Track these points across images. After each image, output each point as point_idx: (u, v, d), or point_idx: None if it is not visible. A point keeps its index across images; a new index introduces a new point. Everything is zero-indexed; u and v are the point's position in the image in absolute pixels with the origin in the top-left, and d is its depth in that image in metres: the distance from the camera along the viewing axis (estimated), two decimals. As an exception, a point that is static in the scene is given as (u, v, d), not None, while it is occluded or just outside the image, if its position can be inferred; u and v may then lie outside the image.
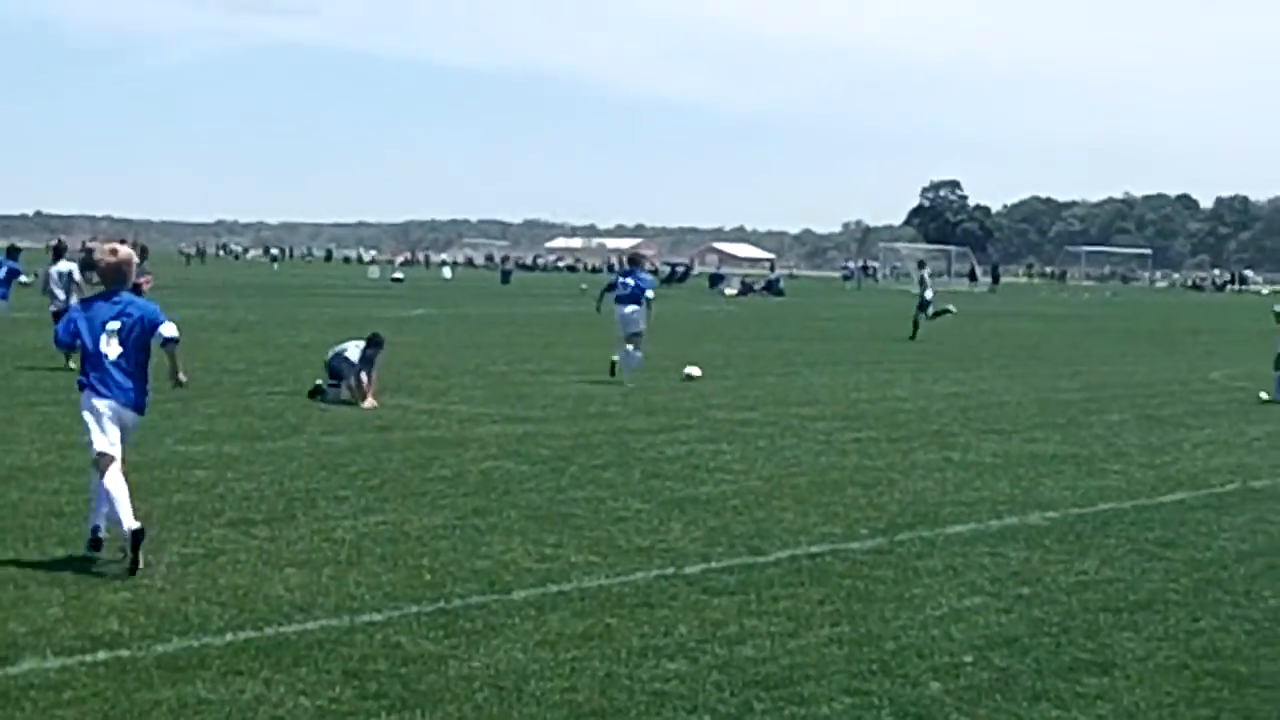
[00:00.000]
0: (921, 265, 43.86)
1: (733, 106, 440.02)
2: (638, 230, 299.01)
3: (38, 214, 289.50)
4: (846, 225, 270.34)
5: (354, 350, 18.64)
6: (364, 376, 18.37)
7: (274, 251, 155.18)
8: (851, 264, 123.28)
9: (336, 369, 18.65)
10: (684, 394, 20.77)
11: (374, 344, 18.86)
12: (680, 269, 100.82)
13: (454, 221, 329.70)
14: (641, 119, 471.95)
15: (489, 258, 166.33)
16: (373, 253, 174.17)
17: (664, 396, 20.27)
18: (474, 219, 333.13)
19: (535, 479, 12.54)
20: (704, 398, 20.30)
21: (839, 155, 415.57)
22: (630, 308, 22.68)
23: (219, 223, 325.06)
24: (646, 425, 16.77)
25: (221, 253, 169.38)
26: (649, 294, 22.83)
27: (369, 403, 17.97)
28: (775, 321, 46.18)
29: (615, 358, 22.74)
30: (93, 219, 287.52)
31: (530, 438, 15.34)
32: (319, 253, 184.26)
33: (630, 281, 22.96)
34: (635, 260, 25.14)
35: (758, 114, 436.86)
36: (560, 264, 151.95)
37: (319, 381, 18.96)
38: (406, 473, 12.72)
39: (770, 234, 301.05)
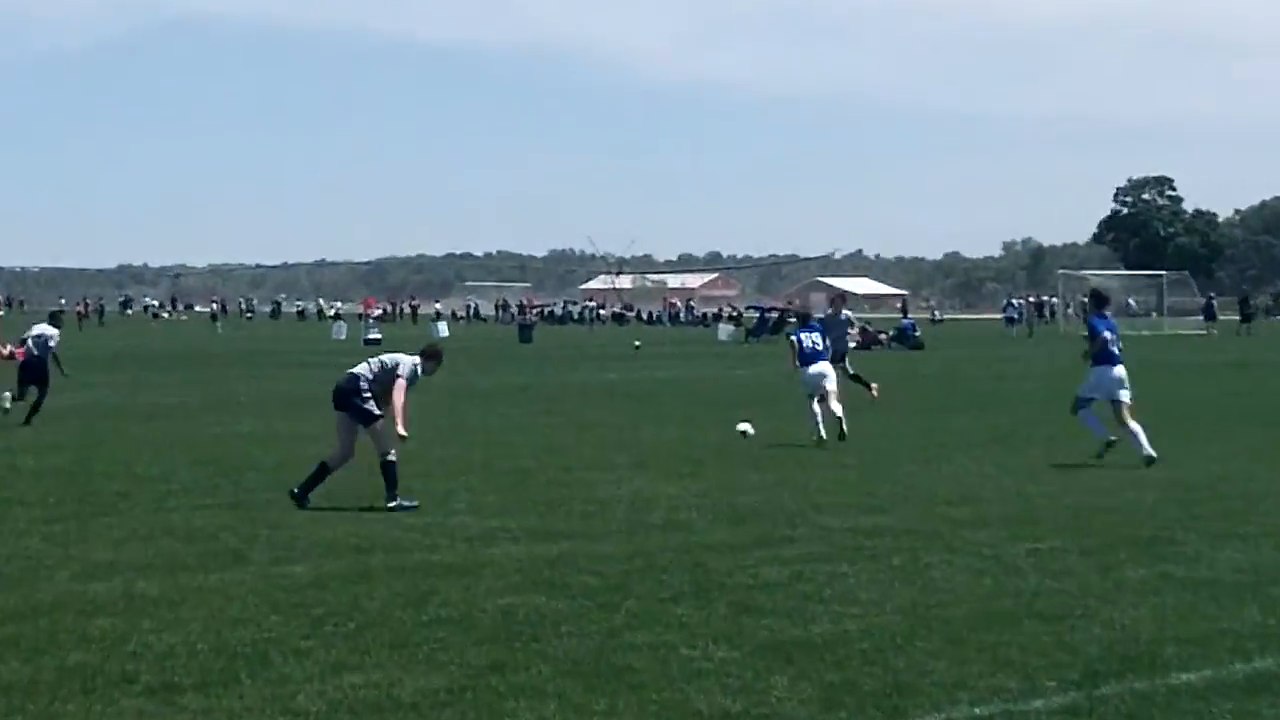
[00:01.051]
0: (842, 299, 44.48)
1: (836, 94, 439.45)
2: (713, 262, 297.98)
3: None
4: (1010, 246, 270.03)
5: (406, 364, 19.76)
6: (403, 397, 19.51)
7: (214, 307, 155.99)
8: (1018, 301, 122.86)
9: (374, 385, 19.55)
10: (782, 490, 20.76)
11: (432, 357, 20.21)
12: (770, 315, 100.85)
13: (451, 258, 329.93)
14: (707, 114, 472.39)
15: (502, 306, 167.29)
16: (336, 305, 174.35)
17: (755, 496, 20.27)
18: (478, 253, 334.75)
19: (576, 619, 12.56)
20: (811, 496, 20.28)
21: (993, 151, 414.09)
22: (816, 367, 28.20)
23: (122, 269, 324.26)
24: (732, 538, 16.76)
25: (131, 309, 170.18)
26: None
27: (404, 431, 19.46)
28: (911, 385, 46.07)
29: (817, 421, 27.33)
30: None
31: (567, 560, 15.37)
32: (265, 308, 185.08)
33: (815, 336, 28.75)
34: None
35: (873, 102, 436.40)
36: (602, 311, 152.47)
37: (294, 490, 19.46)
38: (395, 614, 12.76)
39: (901, 262, 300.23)
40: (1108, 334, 24.88)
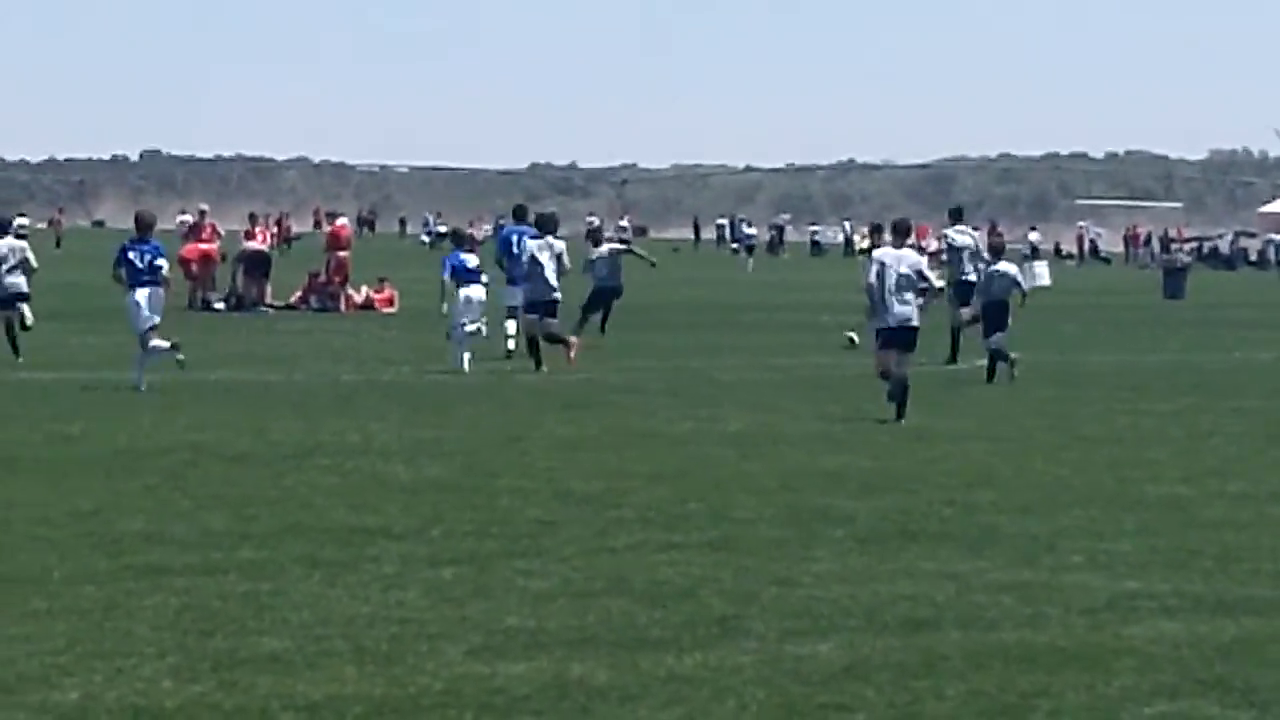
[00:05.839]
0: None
1: None
2: None
3: (239, 157, 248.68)
4: None
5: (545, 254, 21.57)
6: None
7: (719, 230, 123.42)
8: None
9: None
10: None
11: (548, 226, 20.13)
12: None
13: (1052, 160, 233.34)
14: None
15: (1136, 239, 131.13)
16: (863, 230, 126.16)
17: None
18: (1095, 153, 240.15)
19: None
20: None
21: None
22: None
23: (537, 171, 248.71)
24: None
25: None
26: None
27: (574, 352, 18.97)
28: None
29: None
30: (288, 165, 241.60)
31: (1253, 647, 12.29)
32: (754, 230, 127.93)
33: None
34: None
35: None
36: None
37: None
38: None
39: None
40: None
